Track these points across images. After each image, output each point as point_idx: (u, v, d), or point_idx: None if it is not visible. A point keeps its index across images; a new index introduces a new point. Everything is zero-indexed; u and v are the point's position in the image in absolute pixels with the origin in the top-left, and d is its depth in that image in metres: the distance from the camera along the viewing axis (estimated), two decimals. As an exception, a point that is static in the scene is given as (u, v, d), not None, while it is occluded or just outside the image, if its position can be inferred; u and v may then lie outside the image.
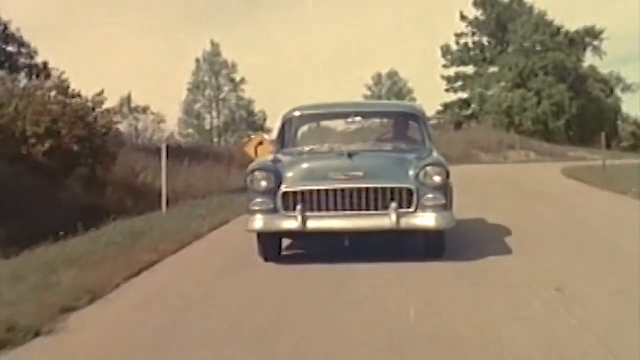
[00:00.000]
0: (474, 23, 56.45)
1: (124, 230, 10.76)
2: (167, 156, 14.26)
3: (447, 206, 7.38)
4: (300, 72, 78.78)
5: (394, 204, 7.19)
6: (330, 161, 7.63)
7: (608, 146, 34.44)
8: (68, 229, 11.18)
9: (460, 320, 5.24)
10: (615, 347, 4.49)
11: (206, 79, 61.01)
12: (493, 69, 55.38)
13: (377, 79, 65.40)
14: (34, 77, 25.10)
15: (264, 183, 7.43)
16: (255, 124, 59.37)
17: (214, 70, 60.70)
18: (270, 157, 8.44)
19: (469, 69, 56.47)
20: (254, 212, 7.43)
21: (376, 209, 7.23)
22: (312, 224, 7.26)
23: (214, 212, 12.92)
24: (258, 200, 7.41)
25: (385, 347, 4.63)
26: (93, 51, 73.06)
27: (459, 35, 56.62)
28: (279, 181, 7.41)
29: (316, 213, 7.27)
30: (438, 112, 56.52)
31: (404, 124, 8.99)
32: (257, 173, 7.53)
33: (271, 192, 7.38)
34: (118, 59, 74.30)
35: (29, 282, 6.76)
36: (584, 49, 55.05)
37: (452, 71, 56.72)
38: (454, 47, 56.64)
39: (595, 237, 9.18)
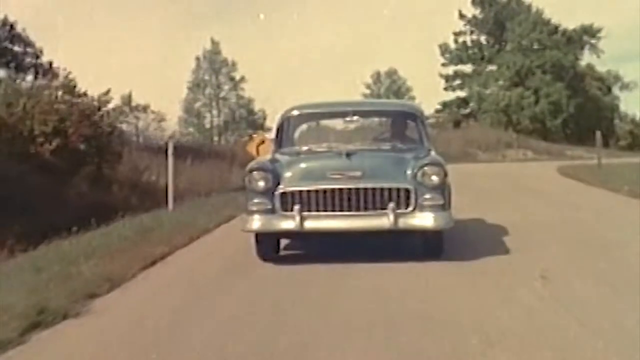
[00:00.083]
0: (473, 22, 56.92)
1: (134, 226, 11.21)
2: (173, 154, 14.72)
3: (445, 206, 7.36)
4: (300, 70, 79.09)
5: (392, 204, 7.19)
6: (329, 161, 7.63)
7: (606, 145, 34.88)
8: (77, 226, 11.54)
9: (454, 303, 5.76)
10: (589, 323, 5.03)
11: (206, 77, 61.37)
12: (491, 67, 55.83)
13: (376, 77, 65.82)
14: (40, 76, 25.53)
15: (262, 183, 7.43)
16: (255, 123, 59.75)
17: (214, 68, 61.07)
18: (268, 156, 8.46)
19: (468, 68, 57.05)
20: (252, 213, 7.43)
21: (374, 209, 7.22)
22: (310, 224, 7.25)
23: (219, 209, 13.35)
24: (256, 200, 7.41)
25: (385, 325, 5.13)
26: (93, 50, 73.33)
27: (457, 34, 57.19)
28: (277, 181, 7.42)
29: (314, 213, 7.26)
30: (437, 111, 57.05)
31: (402, 123, 9.04)
32: (255, 173, 7.53)
33: (269, 192, 7.38)
34: (118, 57, 74.62)
35: (51, 272, 7.24)
36: (582, 48, 55.48)
37: (450, 70, 57.34)
38: (452, 45, 57.22)
39: (583, 231, 9.63)
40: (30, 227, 14.32)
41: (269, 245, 7.78)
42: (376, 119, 10.11)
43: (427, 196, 7.27)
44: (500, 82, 54.14)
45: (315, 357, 4.58)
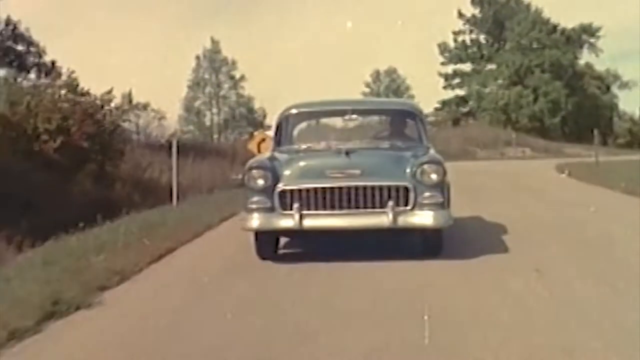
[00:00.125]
0: (472, 21, 57.08)
1: (139, 222, 11.41)
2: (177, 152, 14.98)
3: (444, 204, 7.37)
4: (300, 69, 79.22)
5: (391, 203, 7.19)
6: (328, 159, 7.62)
7: (604, 143, 35.13)
8: (81, 223, 11.77)
9: (452, 295, 6.04)
10: (576, 313, 5.32)
11: (206, 76, 61.46)
12: (490, 66, 56.01)
13: (376, 76, 65.96)
14: (42, 75, 25.77)
15: (261, 181, 7.41)
16: (255, 121, 59.88)
17: (214, 67, 61.18)
18: (268, 154, 8.44)
19: (467, 67, 57.17)
20: (251, 211, 7.41)
21: (373, 208, 7.22)
22: (309, 222, 7.24)
23: (221, 206, 13.55)
24: (255, 198, 7.39)
25: (385, 324, 5.35)
26: (94, 49, 73.50)
27: (456, 33, 57.32)
28: (276, 179, 7.40)
29: (313, 212, 7.25)
30: (436, 109, 57.21)
31: (401, 121, 9.04)
32: (254, 171, 7.51)
33: (268, 190, 7.36)
34: (119, 56, 74.80)
35: (61, 266, 7.48)
36: (581, 47, 55.61)
37: (449, 68, 57.46)
38: (451, 44, 57.38)
39: (577, 227, 9.88)
40: (36, 224, 14.55)
41: (268, 244, 7.77)
42: (375, 118, 10.09)
43: (426, 194, 7.28)
44: (499, 81, 54.38)
45: (315, 356, 4.65)
